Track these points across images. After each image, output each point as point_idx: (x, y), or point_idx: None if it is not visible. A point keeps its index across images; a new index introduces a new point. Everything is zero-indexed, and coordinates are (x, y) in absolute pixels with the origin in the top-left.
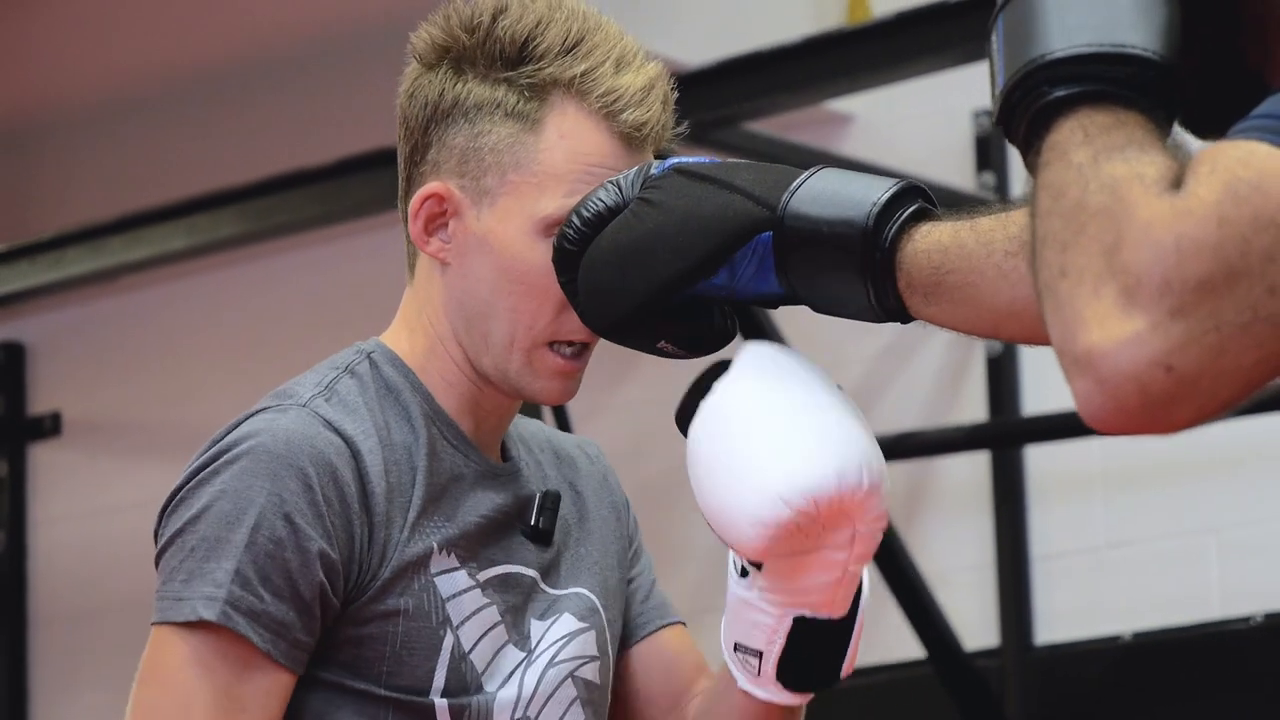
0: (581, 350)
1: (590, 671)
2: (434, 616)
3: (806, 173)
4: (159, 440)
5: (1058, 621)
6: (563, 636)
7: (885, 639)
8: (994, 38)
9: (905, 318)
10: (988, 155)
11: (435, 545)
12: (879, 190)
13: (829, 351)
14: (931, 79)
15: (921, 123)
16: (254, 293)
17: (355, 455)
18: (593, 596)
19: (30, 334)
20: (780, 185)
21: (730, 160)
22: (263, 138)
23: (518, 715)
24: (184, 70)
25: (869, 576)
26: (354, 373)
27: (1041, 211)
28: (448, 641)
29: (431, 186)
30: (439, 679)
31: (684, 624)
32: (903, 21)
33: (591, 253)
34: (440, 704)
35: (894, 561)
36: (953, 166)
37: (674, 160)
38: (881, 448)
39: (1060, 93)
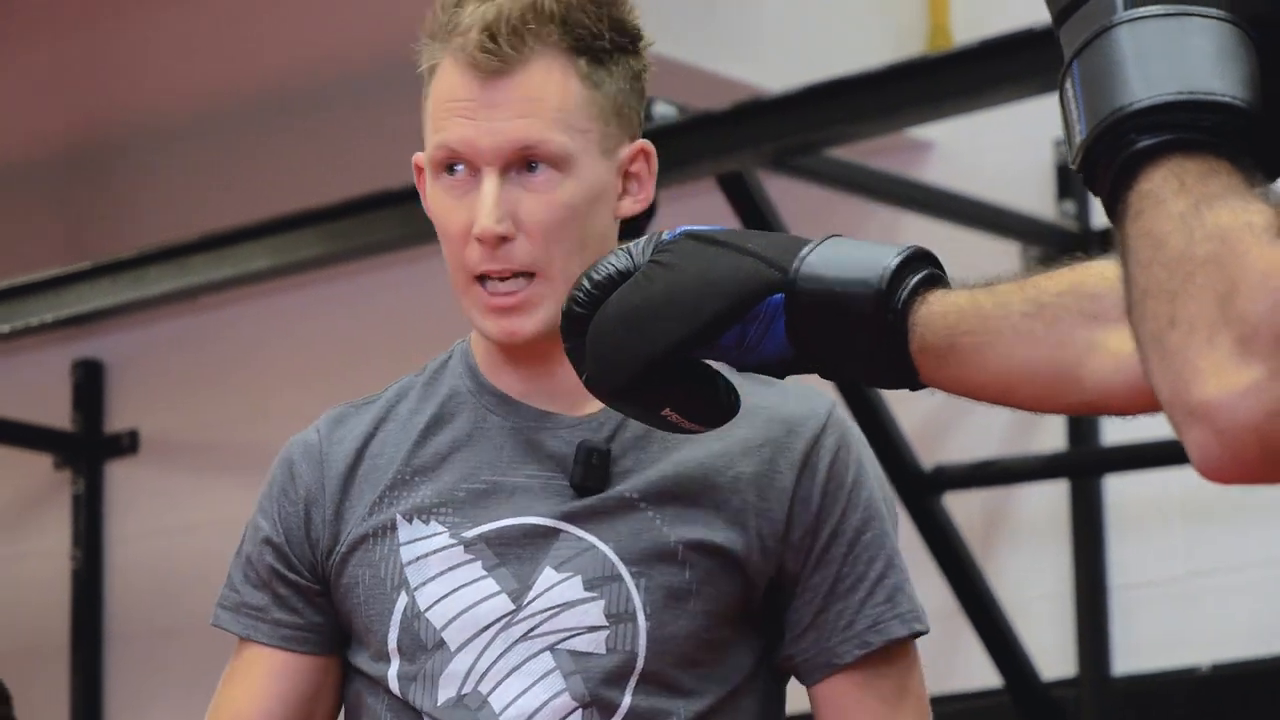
0: (512, 283)
1: (588, 643)
2: (389, 582)
3: (818, 239)
4: (235, 459)
5: (1136, 652)
6: (554, 606)
7: (963, 667)
8: (1069, 86)
9: (915, 383)
10: (1068, 183)
11: (399, 514)
12: (891, 255)
13: None
14: (1012, 107)
15: (1002, 150)
16: (334, 313)
17: (322, 451)
18: (614, 559)
19: (109, 352)
20: (792, 250)
21: (741, 229)
22: (346, 158)
23: (464, 690)
24: (268, 89)
25: (948, 605)
26: (424, 368)
27: (1142, 262)
28: (400, 602)
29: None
30: (392, 641)
31: (879, 651)
32: (984, 50)
33: (600, 315)
34: (391, 673)
35: (972, 590)
36: (1033, 194)
37: (685, 227)
38: (960, 476)
39: (1149, 141)
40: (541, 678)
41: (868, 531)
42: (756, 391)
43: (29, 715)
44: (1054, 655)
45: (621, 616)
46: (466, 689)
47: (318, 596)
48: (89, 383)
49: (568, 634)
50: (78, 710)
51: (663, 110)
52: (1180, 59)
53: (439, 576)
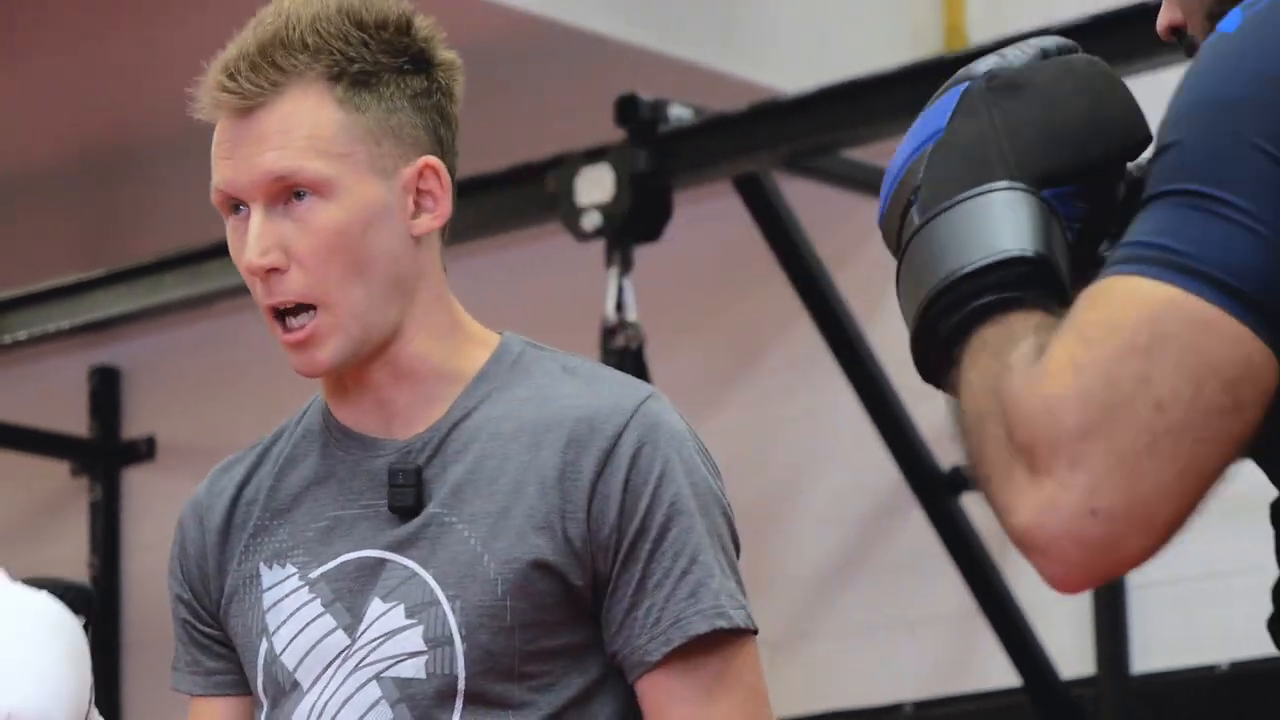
0: (301, 317)
1: (410, 668)
2: (254, 629)
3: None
4: None
5: (1154, 650)
6: (379, 637)
7: (981, 667)
8: (898, 285)
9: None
10: None
11: (261, 563)
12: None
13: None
14: None
15: None
16: None
17: (205, 506)
18: (433, 585)
19: (125, 358)
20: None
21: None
22: None
23: None
24: None
25: (966, 606)
26: (304, 407)
27: (964, 434)
28: (262, 648)
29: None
30: (258, 686)
31: (687, 646)
32: (1000, 49)
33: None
34: (262, 717)
35: (990, 589)
36: None
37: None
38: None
39: (953, 319)
40: (370, 708)
41: (672, 528)
42: (570, 391)
43: None
44: (1072, 654)
45: (439, 640)
46: None
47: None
48: (105, 389)
49: (391, 661)
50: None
51: (679, 113)
52: (973, 230)
53: (290, 618)
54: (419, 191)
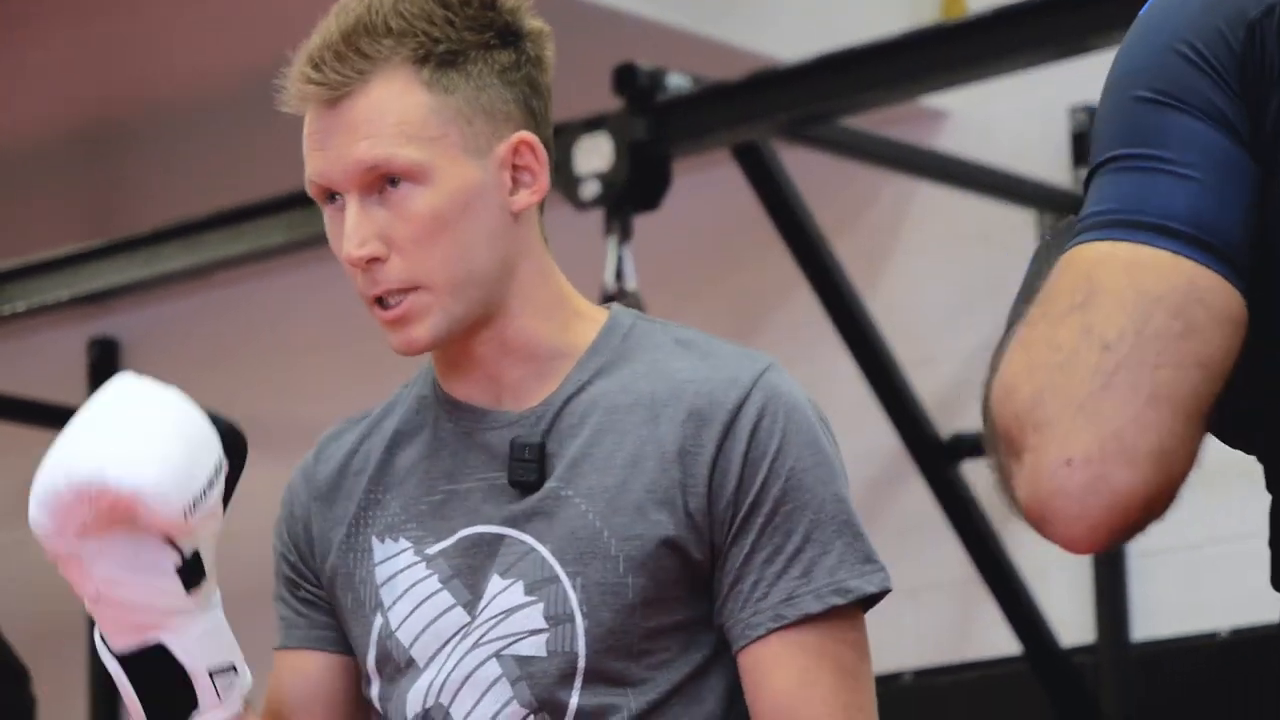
0: (392, 300)
1: (530, 646)
2: (367, 604)
3: None
4: (251, 435)
5: (1155, 617)
6: (499, 614)
7: (981, 635)
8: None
9: None
10: (1083, 150)
11: (373, 536)
12: None
13: (923, 347)
14: (1027, 74)
15: (1017, 118)
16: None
17: (314, 471)
18: (552, 561)
19: (125, 330)
20: None
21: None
22: None
23: (429, 704)
24: (284, 67)
25: (966, 574)
26: (415, 376)
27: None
28: (376, 623)
29: None
30: (369, 661)
31: (795, 624)
32: (999, 17)
33: None
34: (374, 693)
35: (990, 557)
36: (1049, 161)
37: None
38: (978, 444)
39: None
40: (490, 686)
41: (788, 503)
42: (687, 365)
43: (47, 695)
44: (1072, 622)
45: (560, 618)
46: (430, 703)
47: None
48: (105, 361)
49: (511, 639)
50: (95, 690)
51: (677, 82)
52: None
53: (405, 594)
54: (515, 168)
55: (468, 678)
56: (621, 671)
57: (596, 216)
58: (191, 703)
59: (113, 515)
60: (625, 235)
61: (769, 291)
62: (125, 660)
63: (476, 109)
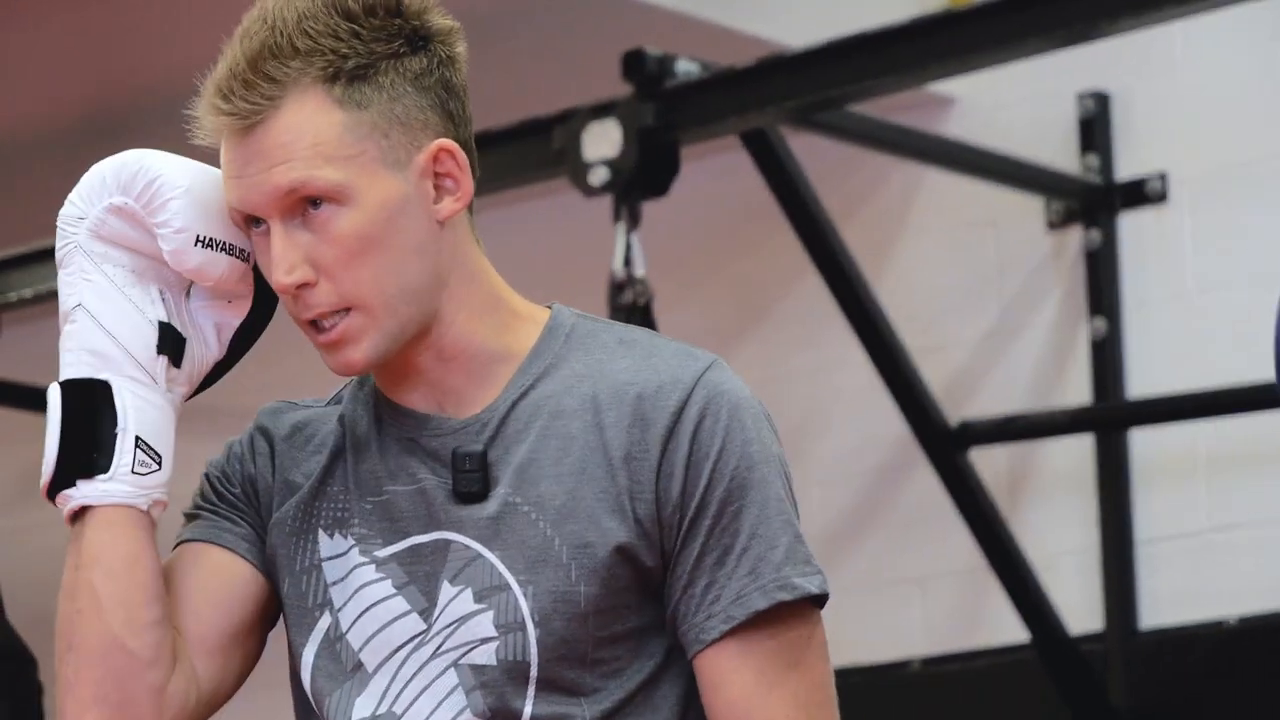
0: (327, 328)
1: (483, 655)
2: (311, 597)
3: None
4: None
5: (1162, 606)
6: (452, 622)
7: (989, 623)
8: None
9: None
10: (1091, 137)
11: (320, 528)
12: None
13: (931, 334)
14: (1034, 61)
15: (1024, 105)
16: None
17: (269, 432)
18: (501, 568)
19: None
20: None
21: None
22: None
23: (380, 710)
24: None
25: (974, 562)
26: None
27: None
28: (323, 622)
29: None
30: (308, 657)
31: (747, 625)
32: (1006, 3)
33: None
34: (306, 681)
35: (998, 545)
36: (1056, 149)
37: None
38: (985, 431)
39: None
40: (447, 695)
41: (733, 503)
42: (629, 365)
43: (51, 683)
44: (1081, 610)
45: (511, 626)
46: (382, 709)
47: (253, 519)
48: None
49: (466, 648)
50: None
51: (685, 68)
52: None
53: (355, 595)
54: (437, 175)
55: (426, 687)
56: (575, 680)
57: (605, 203)
58: (105, 462)
59: (135, 217)
60: (634, 222)
61: (777, 278)
62: (65, 386)
63: (392, 121)
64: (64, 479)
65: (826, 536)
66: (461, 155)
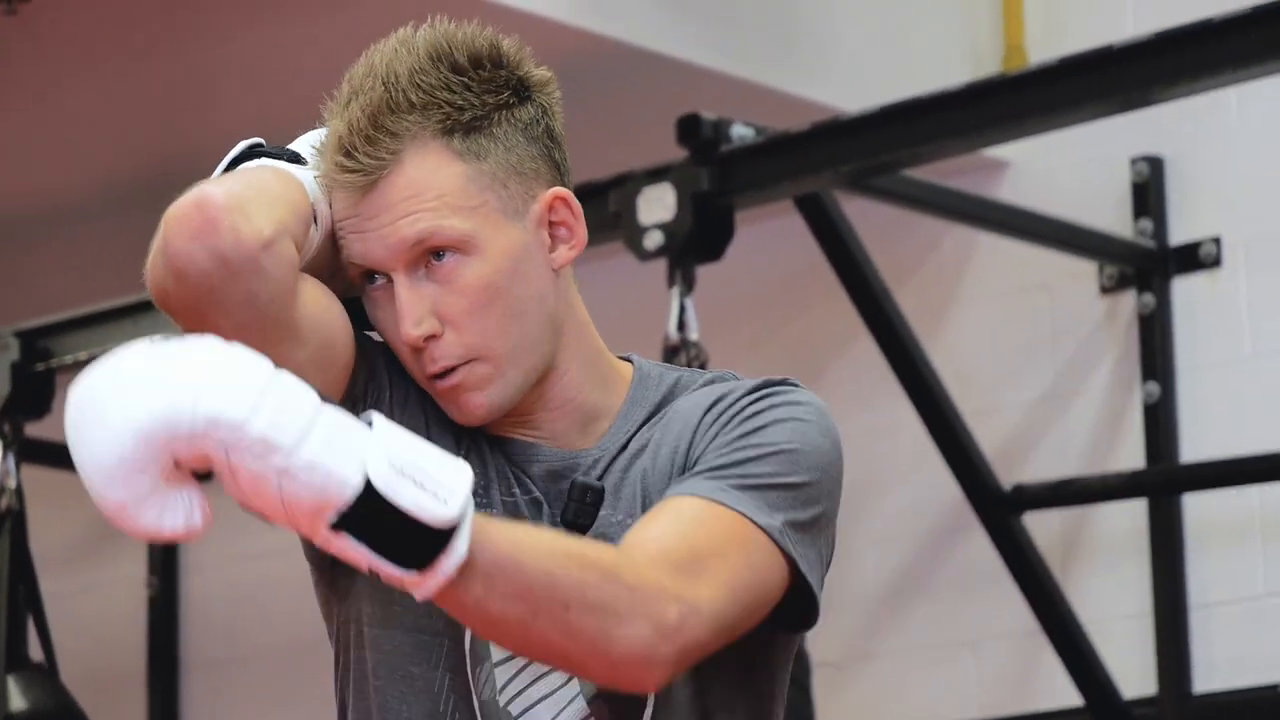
0: (449, 373)
1: None
2: None
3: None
4: None
5: (1216, 670)
6: None
7: (1043, 687)
8: None
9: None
10: (1145, 202)
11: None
12: None
13: (984, 397)
14: (1088, 125)
15: (1077, 169)
16: None
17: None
18: None
19: None
20: None
21: None
22: None
23: (503, 702)
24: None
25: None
26: None
27: None
28: None
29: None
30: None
31: (705, 499)
32: (1061, 68)
33: None
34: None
35: (1052, 609)
36: (1110, 213)
37: None
38: (1039, 496)
39: None
40: (568, 704)
41: (749, 436)
42: (712, 390)
43: None
44: (1135, 674)
45: None
46: (502, 700)
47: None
48: None
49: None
50: None
51: (741, 132)
52: None
53: None
54: (552, 224)
55: (546, 695)
56: (693, 693)
57: (659, 267)
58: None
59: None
60: (688, 286)
61: (830, 341)
62: None
63: (509, 171)
64: None
65: (880, 598)
66: (575, 203)
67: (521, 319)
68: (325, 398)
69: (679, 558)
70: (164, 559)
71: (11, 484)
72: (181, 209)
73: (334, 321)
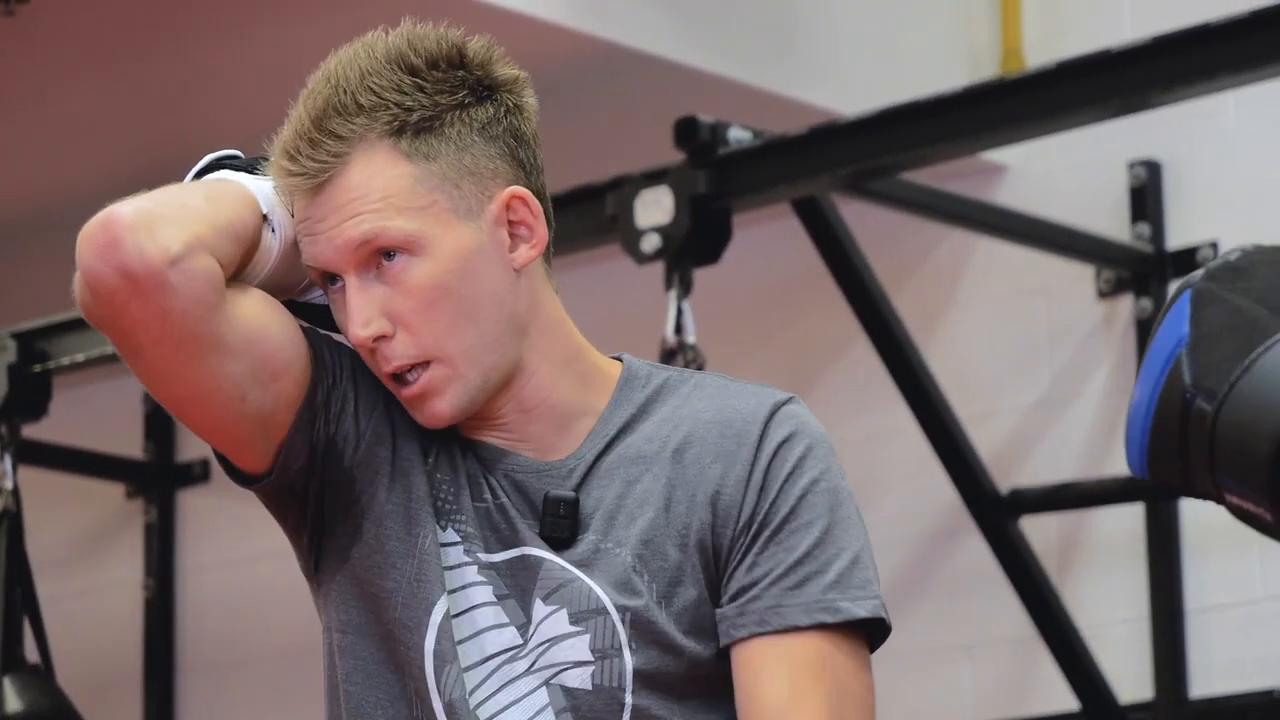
0: (414, 373)
1: (577, 678)
2: (433, 583)
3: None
4: None
5: (1213, 675)
6: (545, 641)
7: (1040, 691)
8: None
9: None
10: (1143, 206)
11: (435, 507)
12: None
13: (982, 402)
14: (1085, 129)
15: (1075, 173)
16: None
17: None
18: (599, 593)
19: None
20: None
21: None
22: None
23: (455, 695)
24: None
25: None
26: None
27: None
28: (444, 605)
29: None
30: (429, 643)
31: (785, 631)
32: (1059, 72)
33: None
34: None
35: (1048, 613)
36: (1107, 217)
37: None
38: (1036, 499)
39: None
40: (537, 713)
41: (793, 521)
42: (708, 405)
43: None
44: (1131, 679)
45: (606, 652)
46: (472, 703)
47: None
48: (160, 412)
49: (558, 669)
50: None
51: (738, 135)
52: None
53: (462, 590)
54: (511, 223)
55: (515, 701)
56: (665, 715)
57: (656, 270)
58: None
59: None
60: (686, 289)
61: (828, 344)
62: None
63: (462, 171)
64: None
65: None
66: (534, 202)
67: (475, 319)
68: None
69: None
70: (160, 560)
71: (8, 486)
72: (89, 228)
73: (277, 335)
